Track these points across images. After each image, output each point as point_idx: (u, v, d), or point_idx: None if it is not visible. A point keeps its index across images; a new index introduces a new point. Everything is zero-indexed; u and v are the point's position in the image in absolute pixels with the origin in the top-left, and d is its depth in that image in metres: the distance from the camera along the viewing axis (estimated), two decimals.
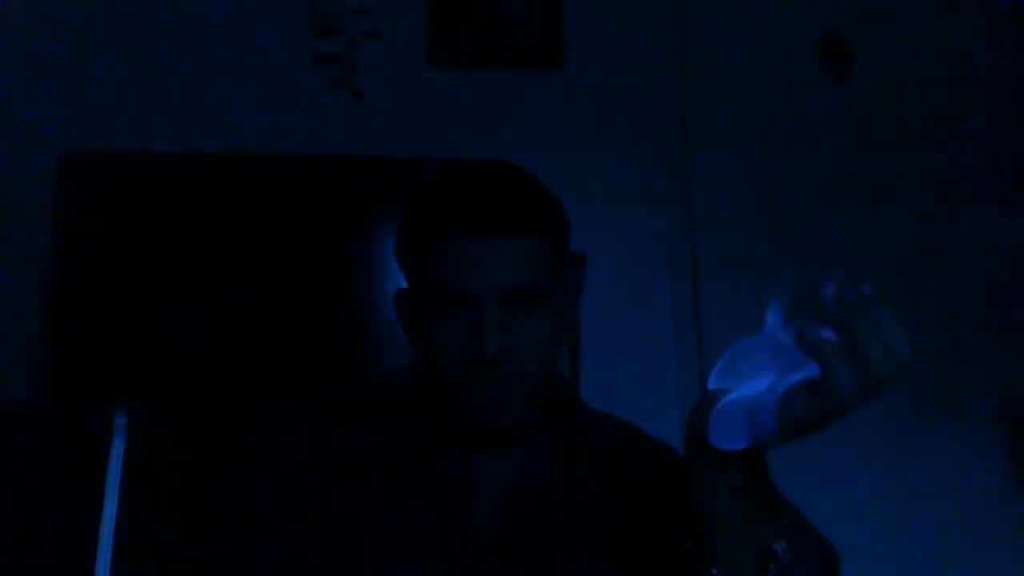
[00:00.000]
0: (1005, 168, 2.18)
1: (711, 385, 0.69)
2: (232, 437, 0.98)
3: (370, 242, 1.80)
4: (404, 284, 0.92)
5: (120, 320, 1.72)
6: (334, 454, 0.91)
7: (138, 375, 1.71)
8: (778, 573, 0.72)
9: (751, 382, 0.67)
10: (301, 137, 1.96)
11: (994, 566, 1.99)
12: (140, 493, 1.54)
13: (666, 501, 0.92)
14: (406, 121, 2.02)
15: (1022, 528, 2.01)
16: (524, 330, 0.84)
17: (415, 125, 2.02)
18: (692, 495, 0.75)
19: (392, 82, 2.04)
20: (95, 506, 1.51)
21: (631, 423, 1.02)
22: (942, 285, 2.11)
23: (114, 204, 1.77)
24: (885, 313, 0.62)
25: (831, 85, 2.18)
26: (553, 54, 2.09)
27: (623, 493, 0.92)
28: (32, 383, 1.70)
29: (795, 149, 2.14)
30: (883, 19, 2.21)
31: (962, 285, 2.11)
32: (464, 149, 1.94)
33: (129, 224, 1.77)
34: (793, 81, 2.17)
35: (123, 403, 1.61)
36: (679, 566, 0.76)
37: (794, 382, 0.64)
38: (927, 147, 2.17)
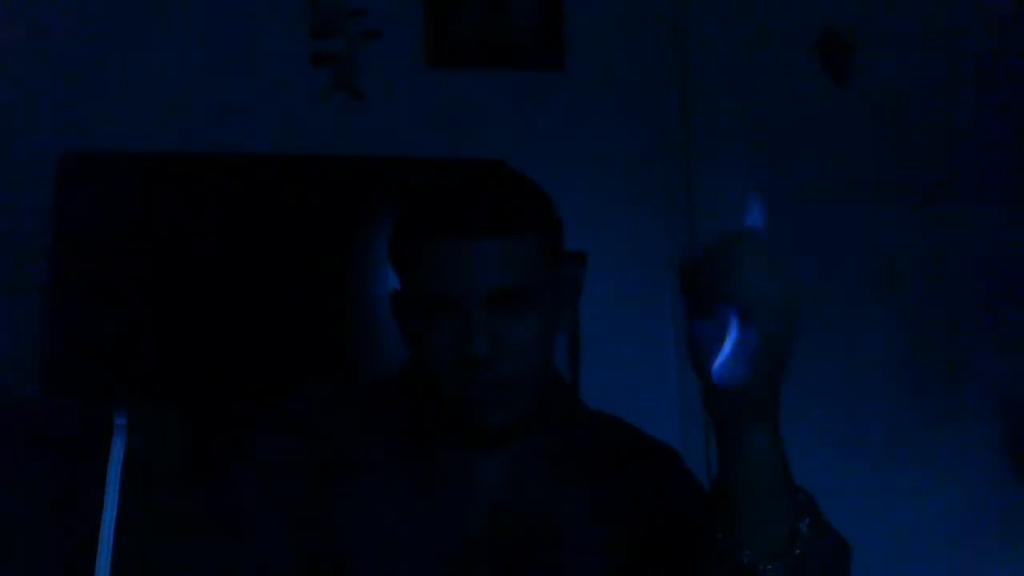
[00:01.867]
0: (1005, 168, 2.18)
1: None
2: (231, 437, 0.98)
3: (369, 242, 1.80)
4: (399, 286, 0.92)
5: (120, 320, 1.72)
6: (330, 454, 0.91)
7: (138, 375, 1.71)
8: (803, 553, 0.73)
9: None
10: (301, 137, 1.96)
11: (994, 564, 1.99)
12: (140, 493, 1.54)
13: (666, 502, 0.93)
14: (406, 121, 2.02)
15: (1022, 526, 2.01)
16: (514, 330, 0.84)
17: (415, 125, 2.02)
18: (722, 483, 0.75)
19: (392, 82, 2.04)
20: (95, 506, 1.51)
21: (631, 424, 1.02)
22: (942, 284, 2.10)
23: (114, 204, 1.77)
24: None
25: (831, 85, 2.18)
26: (553, 54, 2.09)
27: (621, 493, 0.92)
28: (32, 383, 1.70)
29: (795, 149, 2.14)
30: (883, 19, 2.21)
31: (962, 285, 2.11)
32: (464, 149, 1.94)
33: (129, 224, 1.77)
34: (793, 81, 2.17)
35: (123, 403, 1.61)
36: (707, 559, 0.76)
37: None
38: (927, 147, 2.17)
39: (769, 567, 0.72)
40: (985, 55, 2.22)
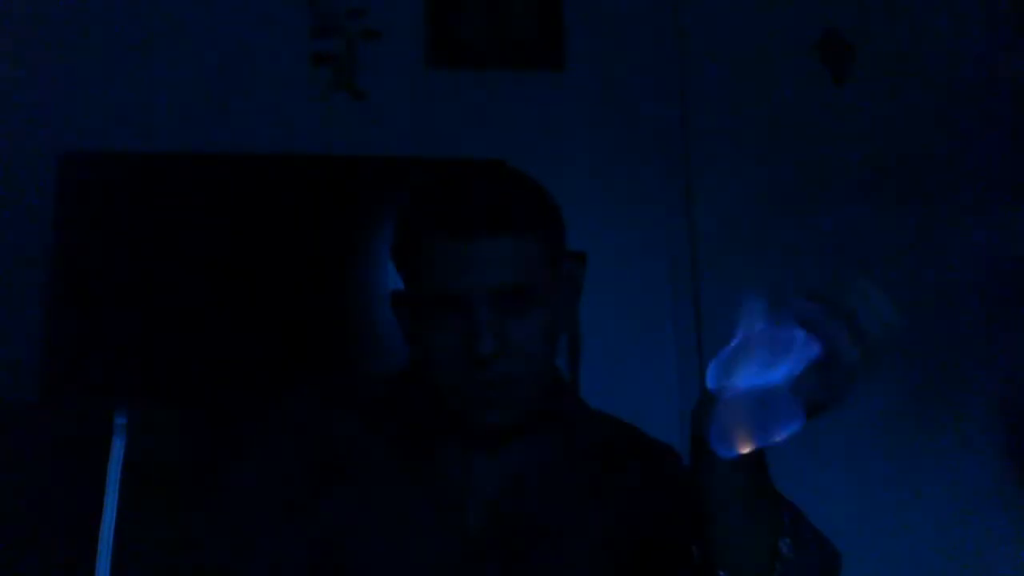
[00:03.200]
0: (1005, 168, 2.18)
1: (709, 384, 0.70)
2: (231, 437, 0.98)
3: (370, 242, 1.80)
4: (401, 285, 0.92)
5: (120, 320, 1.72)
6: (330, 454, 0.91)
7: (138, 375, 1.71)
8: (784, 572, 0.72)
9: (749, 376, 0.67)
10: (301, 137, 1.96)
11: (994, 563, 1.99)
12: (140, 493, 1.54)
13: (666, 502, 0.92)
14: (406, 121, 2.02)
15: (1021, 526, 2.01)
16: (518, 329, 0.84)
17: (415, 125, 2.02)
18: (696, 499, 0.75)
19: (392, 82, 2.04)
20: (95, 506, 1.51)
21: (631, 424, 1.01)
22: (942, 284, 2.10)
23: (114, 204, 1.77)
24: (865, 281, 0.68)
25: (831, 85, 2.18)
26: (553, 54, 2.09)
27: (621, 493, 0.92)
28: (32, 383, 1.70)
29: (795, 149, 2.14)
30: (883, 18, 2.21)
31: (962, 284, 2.11)
32: (464, 149, 1.94)
33: (129, 224, 1.77)
34: (793, 81, 2.17)
35: (123, 403, 1.61)
36: (685, 571, 0.76)
37: (800, 365, 0.66)
38: (927, 147, 2.17)
39: None
40: (985, 55, 2.22)
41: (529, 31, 2.09)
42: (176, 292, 1.74)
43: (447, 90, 2.06)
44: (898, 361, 2.06)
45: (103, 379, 1.70)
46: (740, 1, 2.19)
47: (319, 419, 0.94)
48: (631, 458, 0.97)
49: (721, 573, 0.72)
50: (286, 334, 1.75)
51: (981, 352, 2.09)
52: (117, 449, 1.56)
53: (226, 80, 1.99)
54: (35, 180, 1.82)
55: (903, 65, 2.20)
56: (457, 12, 2.08)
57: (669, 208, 2.08)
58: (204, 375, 1.72)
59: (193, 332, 1.73)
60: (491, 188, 0.89)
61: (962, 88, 2.21)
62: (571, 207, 0.95)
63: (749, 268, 2.02)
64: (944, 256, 2.12)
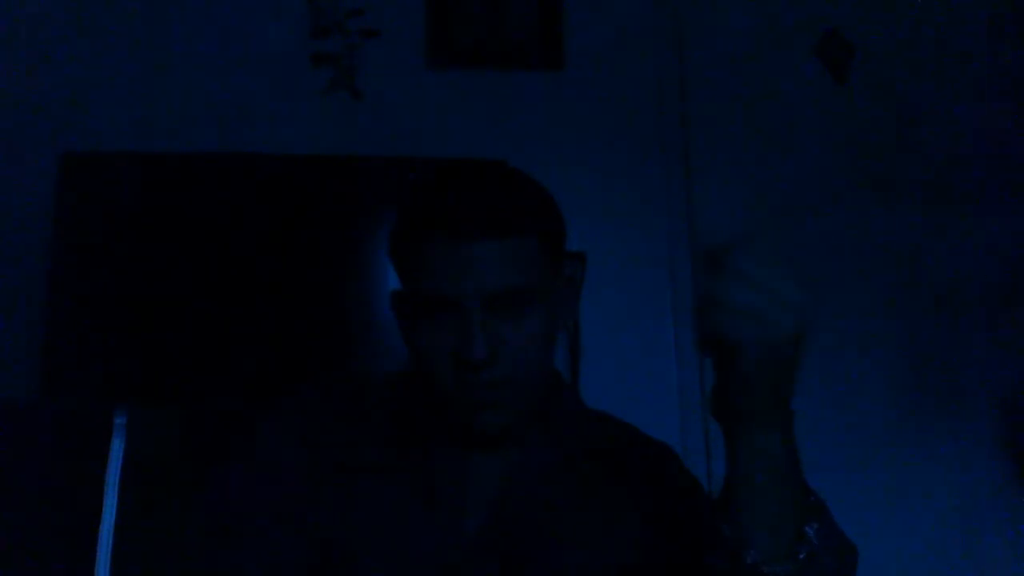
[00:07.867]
0: (1004, 168, 2.18)
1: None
2: (231, 437, 0.98)
3: (369, 242, 1.80)
4: (400, 285, 0.92)
5: (119, 320, 1.72)
6: (329, 454, 0.91)
7: (138, 375, 1.71)
8: (808, 558, 0.73)
9: None
10: (301, 137, 1.96)
11: (994, 564, 1.99)
12: (140, 493, 1.54)
13: (665, 502, 0.92)
14: (406, 121, 2.02)
15: (1022, 526, 2.01)
16: (513, 332, 0.84)
17: (415, 125, 2.02)
18: (728, 474, 0.75)
19: (392, 82, 2.04)
20: (95, 506, 1.51)
21: (630, 424, 1.01)
22: (942, 285, 2.10)
23: (114, 204, 1.77)
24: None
25: (831, 85, 2.18)
26: (553, 54, 2.09)
27: (620, 493, 0.92)
28: (32, 383, 1.70)
29: (795, 149, 2.14)
30: (883, 19, 2.21)
31: (961, 285, 2.11)
32: (464, 149, 1.95)
33: (129, 224, 1.77)
34: (793, 81, 2.17)
35: (123, 403, 1.61)
36: (712, 556, 0.76)
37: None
38: (926, 147, 2.17)
39: (774, 569, 0.72)
40: (985, 55, 2.22)
41: (529, 31, 2.09)
42: (176, 292, 1.74)
43: (447, 90, 2.06)
44: (899, 362, 2.06)
45: (103, 379, 1.70)
46: (740, 1, 2.19)
47: (318, 420, 0.94)
48: (630, 458, 0.97)
49: (751, 552, 0.72)
50: (286, 334, 1.75)
51: (981, 352, 2.09)
52: (117, 449, 1.56)
53: (226, 80, 1.99)
54: (35, 180, 1.82)
55: (903, 65, 2.20)
56: (457, 12, 2.08)
57: (669, 208, 2.08)
58: (204, 375, 1.72)
59: (193, 332, 1.73)
60: (488, 190, 0.88)
61: (962, 88, 2.21)
62: (571, 207, 0.95)
63: None
64: (944, 256, 2.12)
